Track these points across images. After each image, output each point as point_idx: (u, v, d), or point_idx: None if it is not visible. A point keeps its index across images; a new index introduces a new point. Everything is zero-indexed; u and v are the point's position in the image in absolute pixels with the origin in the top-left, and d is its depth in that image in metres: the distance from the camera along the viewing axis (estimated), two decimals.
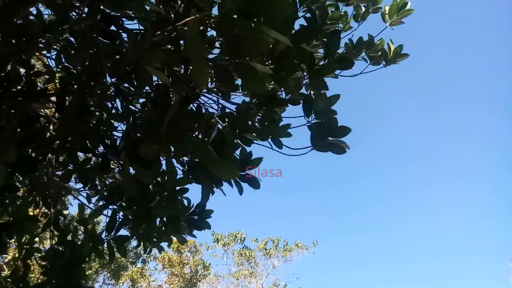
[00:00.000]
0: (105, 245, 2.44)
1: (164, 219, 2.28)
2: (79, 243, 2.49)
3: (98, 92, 2.20)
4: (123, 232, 2.62)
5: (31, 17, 2.25)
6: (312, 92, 2.22)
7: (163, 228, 2.30)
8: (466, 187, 40.54)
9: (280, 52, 1.41)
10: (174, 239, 2.59)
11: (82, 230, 2.51)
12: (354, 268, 36.98)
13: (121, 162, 1.93)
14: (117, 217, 2.26)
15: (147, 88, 2.30)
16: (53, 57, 2.39)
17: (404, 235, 38.75)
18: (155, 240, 2.39)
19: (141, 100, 2.44)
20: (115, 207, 2.42)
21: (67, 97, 2.22)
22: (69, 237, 2.47)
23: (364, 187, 42.08)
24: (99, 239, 2.33)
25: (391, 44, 2.67)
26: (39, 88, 2.25)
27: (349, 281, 34.36)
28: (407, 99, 42.91)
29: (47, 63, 2.46)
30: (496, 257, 33.27)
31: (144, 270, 18.31)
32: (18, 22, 2.17)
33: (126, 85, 2.33)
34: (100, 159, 2.13)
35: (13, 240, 2.91)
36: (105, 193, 2.31)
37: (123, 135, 2.00)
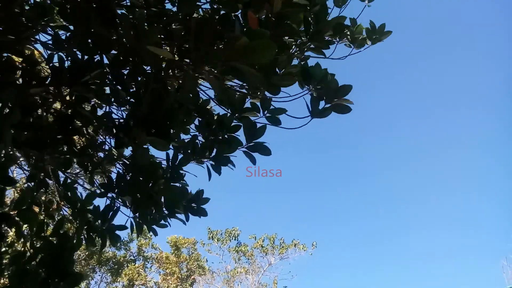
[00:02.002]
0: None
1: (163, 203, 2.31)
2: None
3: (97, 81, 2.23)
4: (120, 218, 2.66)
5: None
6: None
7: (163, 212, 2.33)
8: (462, 187, 40.91)
9: (277, 14, 1.42)
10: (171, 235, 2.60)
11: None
12: (352, 270, 37.08)
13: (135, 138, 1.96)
14: (115, 203, 2.29)
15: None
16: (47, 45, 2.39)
17: (402, 236, 38.98)
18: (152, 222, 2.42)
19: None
20: (113, 194, 2.45)
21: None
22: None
23: (366, 191, 42.32)
24: (94, 227, 2.35)
25: (372, 24, 2.72)
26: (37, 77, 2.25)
27: (347, 283, 34.52)
28: (410, 100, 43.23)
29: (43, 52, 2.46)
30: (491, 255, 33.61)
31: (141, 269, 18.27)
32: (15, 10, 2.18)
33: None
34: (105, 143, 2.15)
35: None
36: (105, 181, 2.32)
37: (128, 114, 2.03)
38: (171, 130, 1.84)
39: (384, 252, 37.94)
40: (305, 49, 2.08)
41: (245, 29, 1.59)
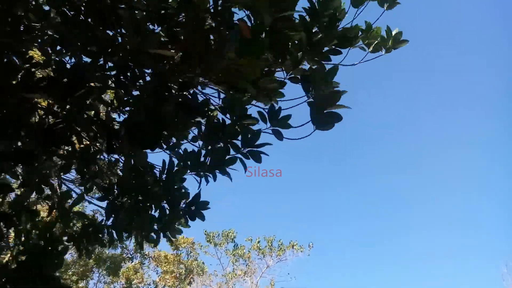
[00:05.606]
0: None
1: (161, 210, 2.29)
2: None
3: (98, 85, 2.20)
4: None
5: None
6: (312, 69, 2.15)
7: (159, 221, 2.32)
8: (462, 187, 40.93)
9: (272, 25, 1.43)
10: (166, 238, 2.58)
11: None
12: (352, 270, 37.06)
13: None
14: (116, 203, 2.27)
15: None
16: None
17: (402, 236, 38.97)
18: (151, 233, 2.40)
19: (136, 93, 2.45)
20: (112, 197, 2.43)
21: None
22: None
23: (364, 191, 42.35)
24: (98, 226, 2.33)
25: (389, 31, 2.57)
26: (36, 79, 2.23)
27: (347, 284, 34.48)
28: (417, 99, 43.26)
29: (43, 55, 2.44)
30: (491, 256, 33.62)
31: (139, 267, 18.19)
32: (18, 13, 2.16)
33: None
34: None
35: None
36: (104, 185, 2.30)
37: (124, 120, 2.01)
38: (172, 138, 1.81)
39: (384, 252, 37.94)
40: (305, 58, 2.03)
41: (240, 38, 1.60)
